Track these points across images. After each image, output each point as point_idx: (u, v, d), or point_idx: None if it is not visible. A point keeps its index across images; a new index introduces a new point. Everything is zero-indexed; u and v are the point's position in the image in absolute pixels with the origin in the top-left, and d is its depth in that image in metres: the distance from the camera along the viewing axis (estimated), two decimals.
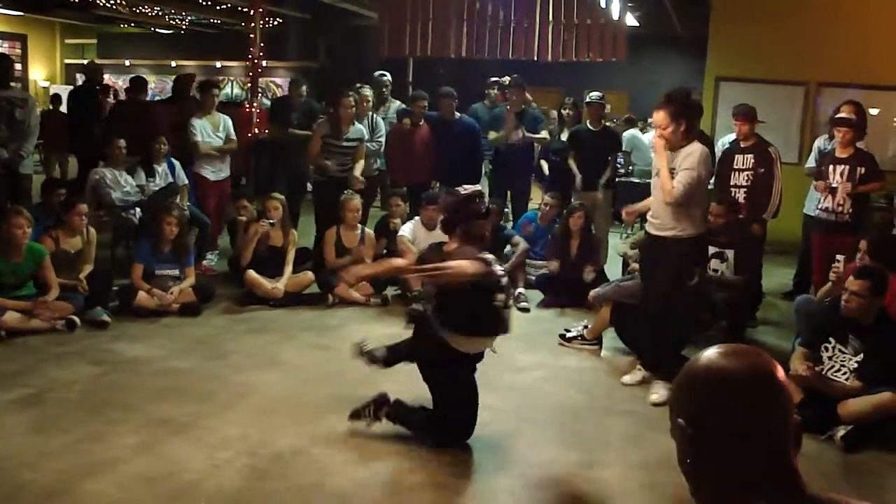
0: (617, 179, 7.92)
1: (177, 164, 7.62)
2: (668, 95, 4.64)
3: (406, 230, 6.67)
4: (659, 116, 4.56)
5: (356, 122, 7.29)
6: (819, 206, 6.42)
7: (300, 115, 8.15)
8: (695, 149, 4.56)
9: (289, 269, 6.58)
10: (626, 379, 4.95)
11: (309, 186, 7.39)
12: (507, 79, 8.41)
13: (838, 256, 5.46)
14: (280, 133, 8.07)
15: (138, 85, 8.77)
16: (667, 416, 1.35)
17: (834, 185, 6.25)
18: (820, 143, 7.20)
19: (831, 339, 4.44)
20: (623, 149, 11.48)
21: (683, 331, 4.90)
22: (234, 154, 7.96)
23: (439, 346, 3.78)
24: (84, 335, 5.47)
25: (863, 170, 6.20)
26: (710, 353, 1.29)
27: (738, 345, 1.32)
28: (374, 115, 7.81)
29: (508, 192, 8.10)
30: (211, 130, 7.57)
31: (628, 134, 12.12)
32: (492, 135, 7.84)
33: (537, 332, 6.05)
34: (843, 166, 6.25)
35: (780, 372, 1.27)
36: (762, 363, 1.27)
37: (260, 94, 10.74)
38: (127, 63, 19.56)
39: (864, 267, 4.47)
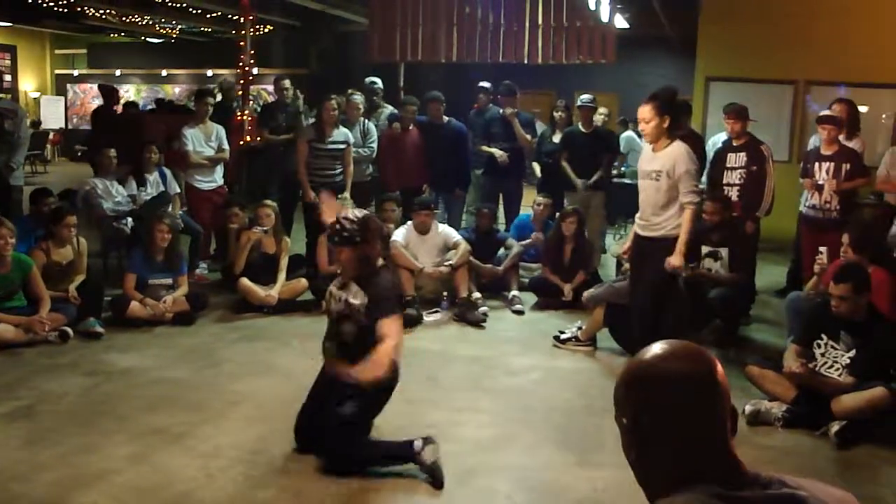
0: (610, 181, 7.92)
1: (168, 172, 7.61)
2: (656, 92, 4.83)
3: (399, 235, 6.67)
4: (644, 110, 4.75)
5: (341, 126, 7.30)
6: (807, 204, 6.44)
7: (288, 116, 8.13)
8: (678, 151, 4.75)
9: (282, 276, 6.57)
10: None
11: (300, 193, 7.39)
12: (486, 84, 8.45)
13: (821, 248, 5.48)
14: (266, 138, 8.06)
15: (108, 94, 8.75)
16: None
17: (820, 183, 6.27)
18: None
19: (823, 335, 4.44)
20: (620, 150, 11.52)
21: (678, 330, 4.90)
22: (226, 162, 7.94)
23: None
24: (76, 346, 5.45)
25: (848, 166, 6.23)
26: (651, 354, 1.36)
27: (679, 343, 1.38)
28: (366, 122, 7.81)
29: (500, 195, 8.09)
30: (203, 140, 7.56)
31: (625, 136, 12.14)
32: (484, 148, 7.85)
33: (531, 334, 6.05)
34: (828, 163, 6.28)
35: (718, 369, 1.33)
36: (698, 363, 1.33)
37: (251, 102, 10.72)
38: (117, 73, 19.55)
39: (841, 269, 4.47)
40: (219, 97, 9.19)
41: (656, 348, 1.36)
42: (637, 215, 5.03)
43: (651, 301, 4.84)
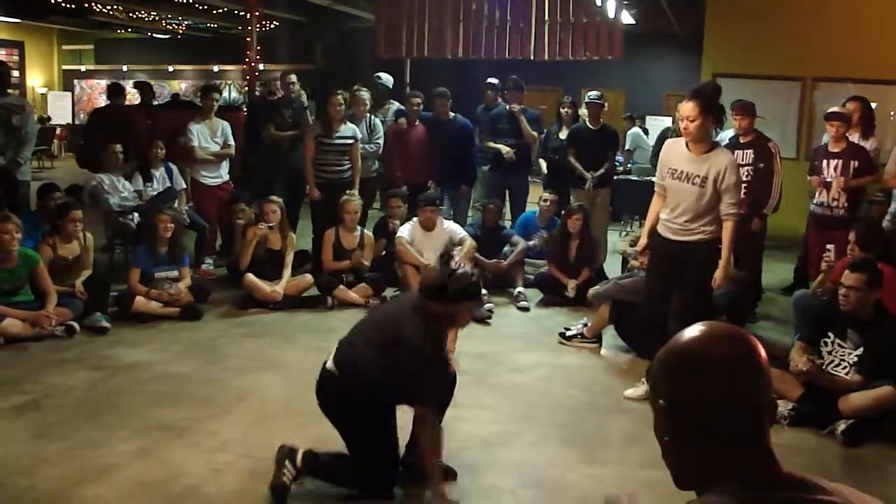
0: (615, 178, 7.90)
1: (174, 168, 7.62)
2: (700, 88, 4.51)
3: (404, 231, 6.66)
4: (688, 108, 4.38)
5: (348, 122, 7.29)
6: (815, 202, 6.40)
7: (294, 112, 8.13)
8: (728, 160, 4.48)
9: (287, 271, 6.57)
10: (629, 393, 4.73)
11: (307, 188, 7.41)
12: (494, 80, 8.45)
13: (829, 246, 5.46)
14: (272, 134, 8.06)
15: (116, 91, 8.78)
16: None
17: (828, 180, 6.24)
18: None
19: (830, 333, 4.43)
20: (626, 147, 11.50)
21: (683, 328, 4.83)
22: (232, 158, 7.94)
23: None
24: (82, 341, 5.46)
25: (856, 163, 6.19)
26: (692, 334, 1.29)
27: (721, 325, 1.31)
28: (372, 118, 7.79)
29: (506, 191, 8.09)
30: (208, 136, 7.56)
31: (632, 132, 12.11)
32: (490, 144, 7.83)
33: (537, 330, 6.05)
34: (836, 161, 6.24)
35: (762, 353, 1.27)
36: (742, 347, 1.27)
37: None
38: (124, 68, 19.58)
39: (858, 260, 4.45)
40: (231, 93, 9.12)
41: (697, 330, 1.29)
42: (664, 216, 4.67)
43: (705, 302, 4.59)
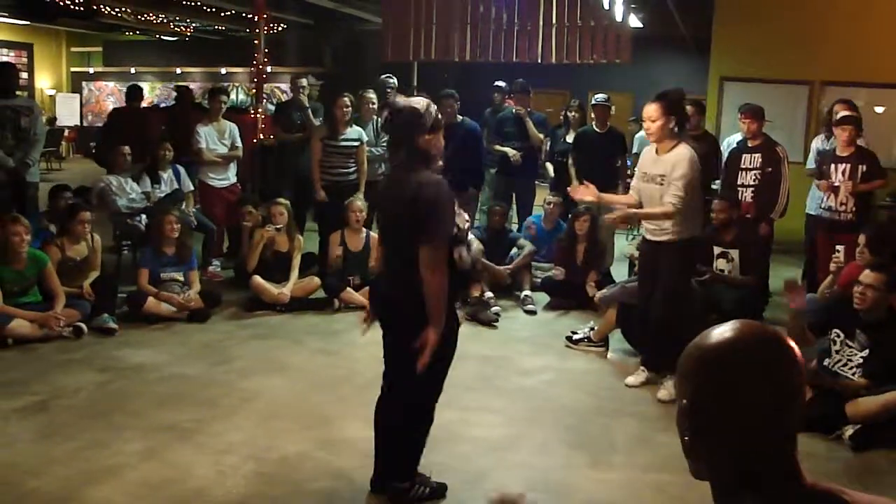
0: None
1: (182, 170, 7.64)
2: (664, 92, 4.71)
3: None
4: (650, 109, 4.59)
5: (355, 125, 7.30)
6: (822, 206, 6.38)
7: (303, 114, 8.13)
8: (682, 155, 4.56)
9: (294, 274, 6.59)
10: (630, 380, 4.95)
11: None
12: (502, 83, 8.43)
13: (838, 247, 5.45)
14: (279, 137, 8.09)
15: (134, 94, 8.86)
16: (673, 418, 1.31)
17: (836, 184, 6.22)
18: (817, 143, 7.16)
19: (839, 332, 4.41)
20: (633, 151, 11.46)
21: (688, 331, 4.85)
22: (240, 160, 7.97)
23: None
24: (90, 342, 5.48)
25: (864, 168, 6.17)
26: (718, 332, 1.22)
27: (753, 325, 1.23)
28: (379, 120, 7.80)
29: (513, 195, 8.08)
30: (216, 138, 7.58)
31: (639, 136, 12.05)
32: (497, 147, 7.83)
33: (544, 334, 6.04)
34: (844, 165, 6.22)
35: (794, 359, 1.19)
36: (769, 349, 1.19)
37: (265, 100, 10.75)
38: (132, 70, 19.65)
39: (879, 261, 4.45)
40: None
41: (729, 329, 1.22)
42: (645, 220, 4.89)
43: (671, 308, 4.62)
